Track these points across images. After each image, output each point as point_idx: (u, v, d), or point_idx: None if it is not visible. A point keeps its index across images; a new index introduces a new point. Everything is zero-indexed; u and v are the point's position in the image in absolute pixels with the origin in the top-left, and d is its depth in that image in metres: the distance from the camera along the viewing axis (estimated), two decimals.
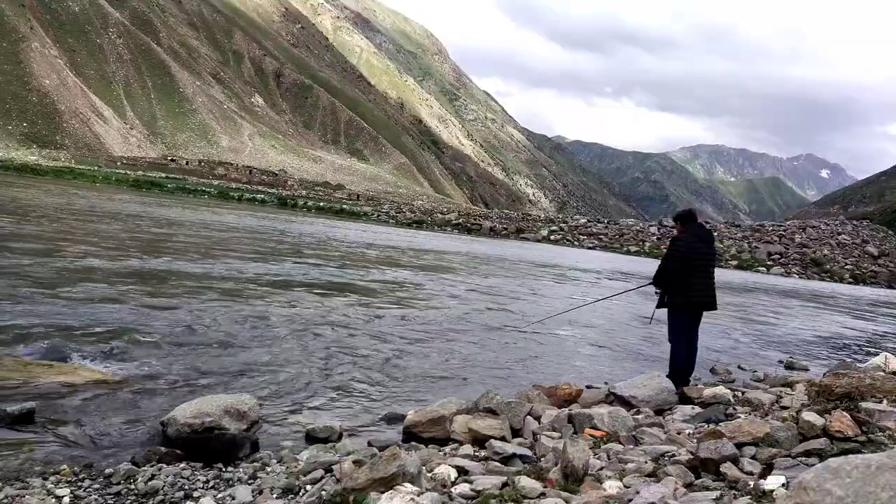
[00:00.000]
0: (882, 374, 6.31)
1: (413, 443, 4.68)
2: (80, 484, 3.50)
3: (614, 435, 4.57)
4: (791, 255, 58.47)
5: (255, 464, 4.06)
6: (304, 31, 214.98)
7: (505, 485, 3.28)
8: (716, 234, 58.82)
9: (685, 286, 6.54)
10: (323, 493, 3.29)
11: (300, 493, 3.53)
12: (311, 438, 4.66)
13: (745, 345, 11.89)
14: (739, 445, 3.80)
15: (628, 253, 55.43)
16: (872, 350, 13.00)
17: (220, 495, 3.51)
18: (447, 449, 4.48)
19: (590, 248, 58.47)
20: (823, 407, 4.13)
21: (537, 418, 5.21)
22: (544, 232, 64.11)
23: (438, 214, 68.74)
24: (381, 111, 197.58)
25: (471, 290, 15.40)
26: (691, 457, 3.74)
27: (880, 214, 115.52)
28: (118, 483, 3.55)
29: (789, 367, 9.79)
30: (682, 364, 6.68)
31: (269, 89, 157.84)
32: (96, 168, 68.10)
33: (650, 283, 6.91)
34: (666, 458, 3.86)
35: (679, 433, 4.62)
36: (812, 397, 4.49)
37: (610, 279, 25.59)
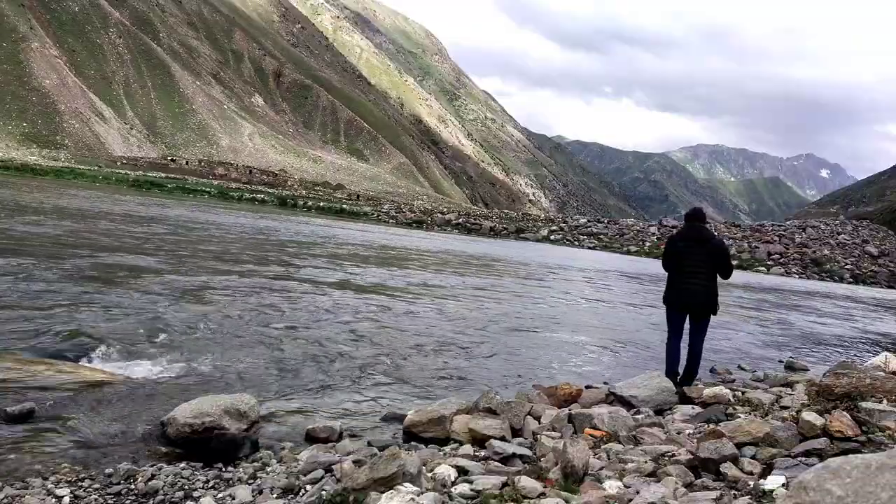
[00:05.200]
0: (882, 374, 6.30)
1: (413, 443, 4.69)
2: (80, 484, 3.50)
3: (614, 435, 4.57)
4: (791, 254, 58.44)
5: (255, 464, 4.06)
6: (304, 31, 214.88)
7: (505, 485, 3.28)
8: (715, 233, 58.58)
9: (669, 283, 6.76)
10: (323, 492, 3.28)
11: (300, 493, 3.53)
12: (311, 438, 4.66)
13: (744, 345, 11.89)
14: (739, 445, 3.80)
15: (628, 253, 55.42)
16: (872, 350, 13.00)
17: (220, 495, 3.51)
18: (447, 449, 4.48)
19: (590, 248, 58.46)
20: (823, 407, 4.13)
21: (537, 418, 5.21)
22: (544, 232, 64.13)
23: (438, 214, 68.73)
24: (381, 111, 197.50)
25: (470, 289, 15.40)
26: (691, 457, 3.74)
27: (880, 214, 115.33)
28: (118, 483, 3.55)
29: (789, 367, 9.79)
30: (670, 361, 6.69)
31: (269, 89, 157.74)
32: (96, 168, 68.08)
33: None
34: (666, 458, 3.86)
35: (679, 433, 4.62)
36: (812, 397, 4.48)
37: (618, 279, 25.60)
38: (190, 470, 3.81)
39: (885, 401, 4.16)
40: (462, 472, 3.65)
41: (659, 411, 5.67)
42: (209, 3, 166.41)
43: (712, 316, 6.77)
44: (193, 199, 50.67)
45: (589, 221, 77.74)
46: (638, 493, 3.11)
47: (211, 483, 3.69)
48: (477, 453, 4.31)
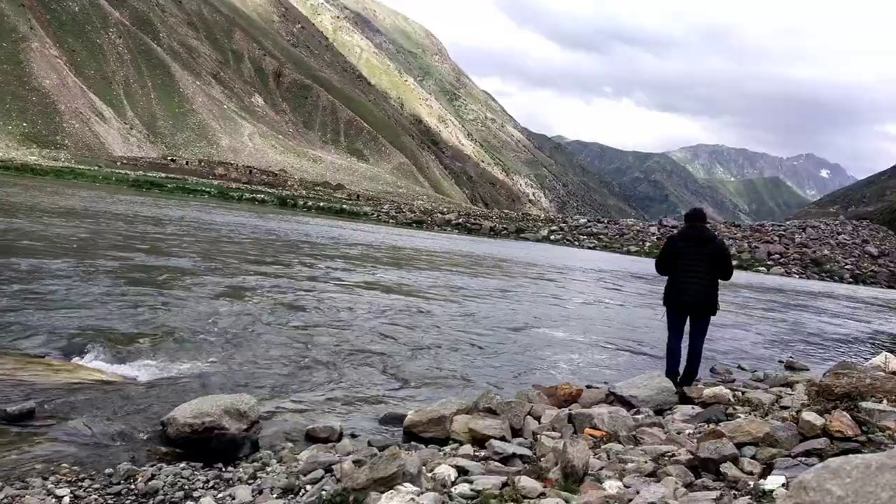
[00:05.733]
0: (882, 374, 6.30)
1: (413, 443, 4.69)
2: (80, 484, 3.50)
3: (614, 435, 4.57)
4: (791, 255, 58.48)
5: (255, 464, 4.06)
6: (304, 31, 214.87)
7: (505, 485, 3.28)
8: (716, 234, 58.49)
9: (669, 283, 6.74)
10: (323, 492, 3.28)
11: (300, 493, 3.53)
12: (311, 438, 4.66)
13: (745, 345, 11.89)
14: (739, 445, 3.80)
15: (628, 253, 55.44)
16: (872, 350, 13.00)
17: (220, 495, 3.51)
18: (447, 449, 4.48)
19: (590, 248, 58.49)
20: (823, 407, 4.13)
21: (537, 418, 5.21)
22: (544, 232, 64.16)
23: (438, 214, 68.74)
24: (381, 111, 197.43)
25: (471, 290, 15.39)
26: (691, 457, 3.74)
27: (880, 214, 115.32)
28: (118, 483, 3.55)
29: (789, 367, 9.79)
30: (670, 361, 6.70)
31: (269, 89, 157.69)
32: (96, 168, 68.09)
33: None
34: (666, 458, 3.86)
35: (679, 433, 4.62)
36: (812, 397, 4.48)
37: (620, 279, 25.59)
38: (190, 470, 3.81)
39: (885, 401, 4.16)
40: (462, 472, 3.65)
41: (659, 411, 5.66)
42: (209, 3, 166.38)
43: (712, 316, 6.77)
44: (194, 199, 50.67)
45: (589, 221, 77.77)
46: (638, 493, 3.11)
47: (211, 483, 3.69)
48: (477, 453, 4.31)
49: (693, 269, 6.53)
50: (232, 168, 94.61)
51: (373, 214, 62.61)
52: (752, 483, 3.25)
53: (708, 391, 6.06)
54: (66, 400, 4.71)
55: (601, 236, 64.32)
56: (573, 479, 3.37)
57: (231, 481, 3.74)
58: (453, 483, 3.40)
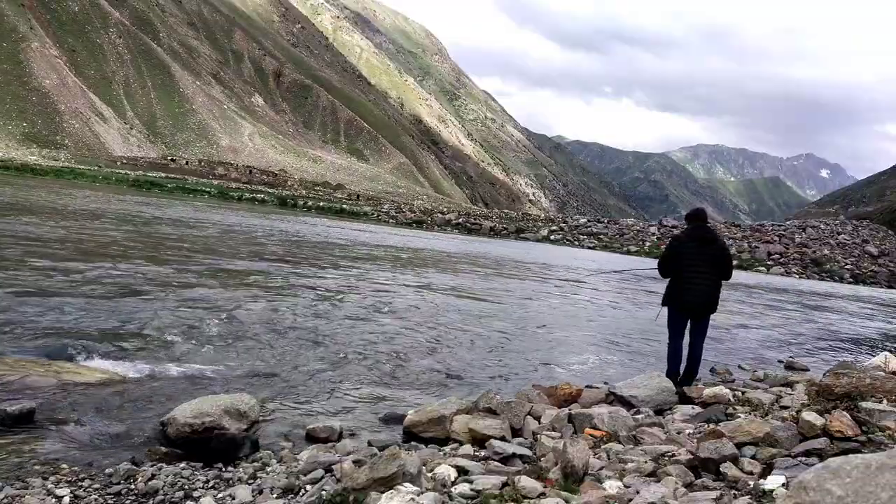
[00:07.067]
0: (882, 374, 6.31)
1: (413, 443, 4.69)
2: (80, 484, 3.50)
3: (614, 435, 4.57)
4: (791, 254, 58.44)
5: (255, 464, 4.06)
6: (304, 31, 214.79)
7: (505, 485, 3.28)
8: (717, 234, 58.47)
9: (672, 283, 6.71)
10: (323, 492, 3.28)
11: (300, 493, 3.53)
12: (311, 438, 4.66)
13: (745, 345, 11.89)
14: (739, 445, 3.80)
15: (628, 253, 55.38)
16: (872, 350, 13.00)
17: (220, 495, 3.51)
18: (447, 449, 4.48)
19: (590, 248, 58.47)
20: (823, 407, 4.13)
21: (537, 418, 5.21)
22: (544, 232, 64.15)
23: (438, 214, 68.71)
24: (381, 111, 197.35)
25: (470, 290, 15.39)
26: (691, 457, 3.74)
27: (880, 214, 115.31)
28: (118, 483, 3.55)
29: (789, 367, 9.80)
30: (671, 361, 6.70)
31: (269, 89, 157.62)
32: (97, 168, 68.04)
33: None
34: (666, 458, 3.86)
35: (679, 433, 4.62)
36: (812, 397, 4.48)
37: (623, 279, 25.60)
38: (190, 470, 3.81)
39: (885, 401, 4.16)
40: (462, 471, 3.65)
41: (659, 411, 5.67)
42: (209, 3, 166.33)
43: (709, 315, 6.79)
44: (194, 199, 50.64)
45: (589, 221, 77.76)
46: (638, 492, 3.11)
47: (211, 483, 3.69)
48: (477, 453, 4.31)
49: (696, 269, 6.55)
50: (232, 168, 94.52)
51: (373, 214, 62.58)
52: (752, 483, 3.26)
53: (708, 391, 6.06)
54: (66, 400, 4.71)
55: (601, 236, 64.31)
56: (573, 479, 3.37)
57: (231, 481, 3.74)
58: (453, 483, 3.40)
